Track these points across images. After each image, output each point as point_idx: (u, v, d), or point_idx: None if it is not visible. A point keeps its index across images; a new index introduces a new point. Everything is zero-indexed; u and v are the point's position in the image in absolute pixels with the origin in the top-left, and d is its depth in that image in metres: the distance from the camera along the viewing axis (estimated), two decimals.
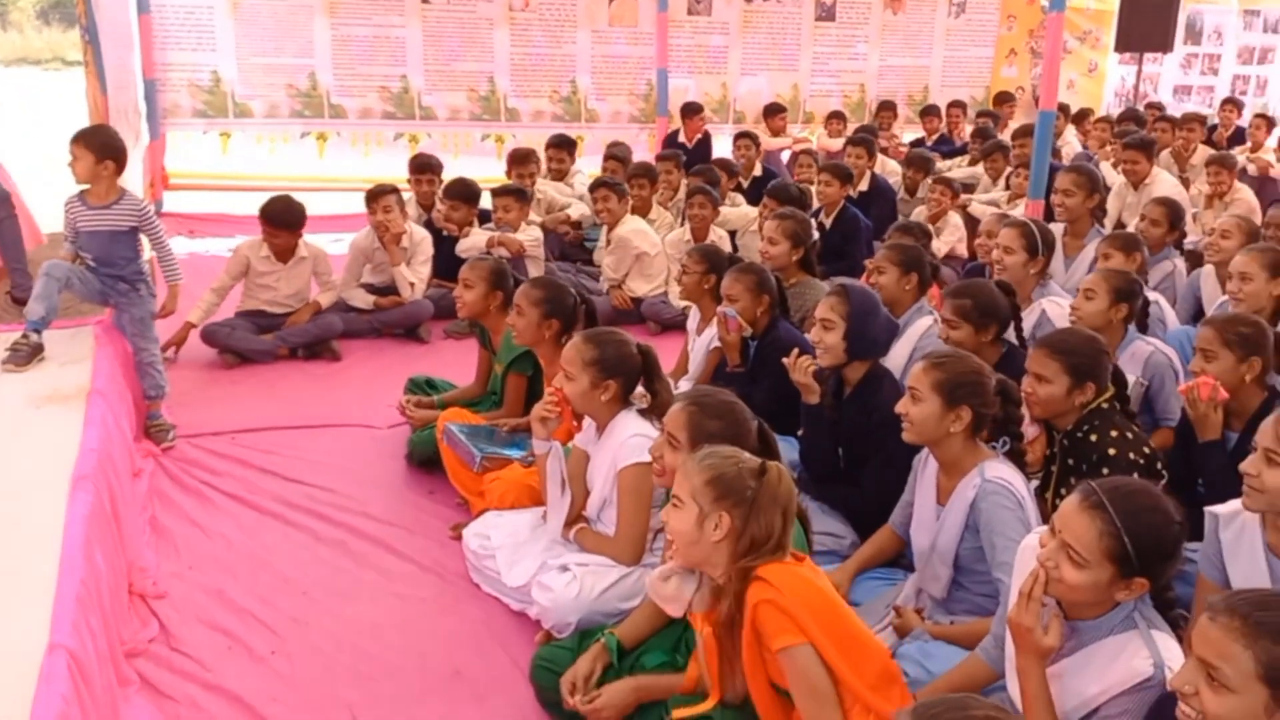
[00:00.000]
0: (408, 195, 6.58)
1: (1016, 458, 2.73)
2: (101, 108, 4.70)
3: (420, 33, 9.45)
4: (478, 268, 4.20)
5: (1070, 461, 2.97)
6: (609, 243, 6.35)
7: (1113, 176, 7.06)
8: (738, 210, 7.01)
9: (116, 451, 3.46)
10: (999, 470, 2.63)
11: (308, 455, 4.29)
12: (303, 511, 3.79)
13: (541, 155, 7.71)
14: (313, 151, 9.58)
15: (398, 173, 8.18)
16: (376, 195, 5.81)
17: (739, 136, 8.55)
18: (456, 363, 5.20)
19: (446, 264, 6.15)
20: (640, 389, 3.14)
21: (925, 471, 2.84)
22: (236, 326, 5.38)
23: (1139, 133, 7.81)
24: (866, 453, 3.25)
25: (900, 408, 2.71)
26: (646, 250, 6.20)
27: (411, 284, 5.87)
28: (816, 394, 3.32)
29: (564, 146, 7.98)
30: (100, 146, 4.05)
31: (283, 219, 5.37)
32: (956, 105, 10.42)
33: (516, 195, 6.32)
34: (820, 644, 2.07)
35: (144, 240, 4.27)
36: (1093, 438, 2.92)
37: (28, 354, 3.92)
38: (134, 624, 3.01)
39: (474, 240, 6.16)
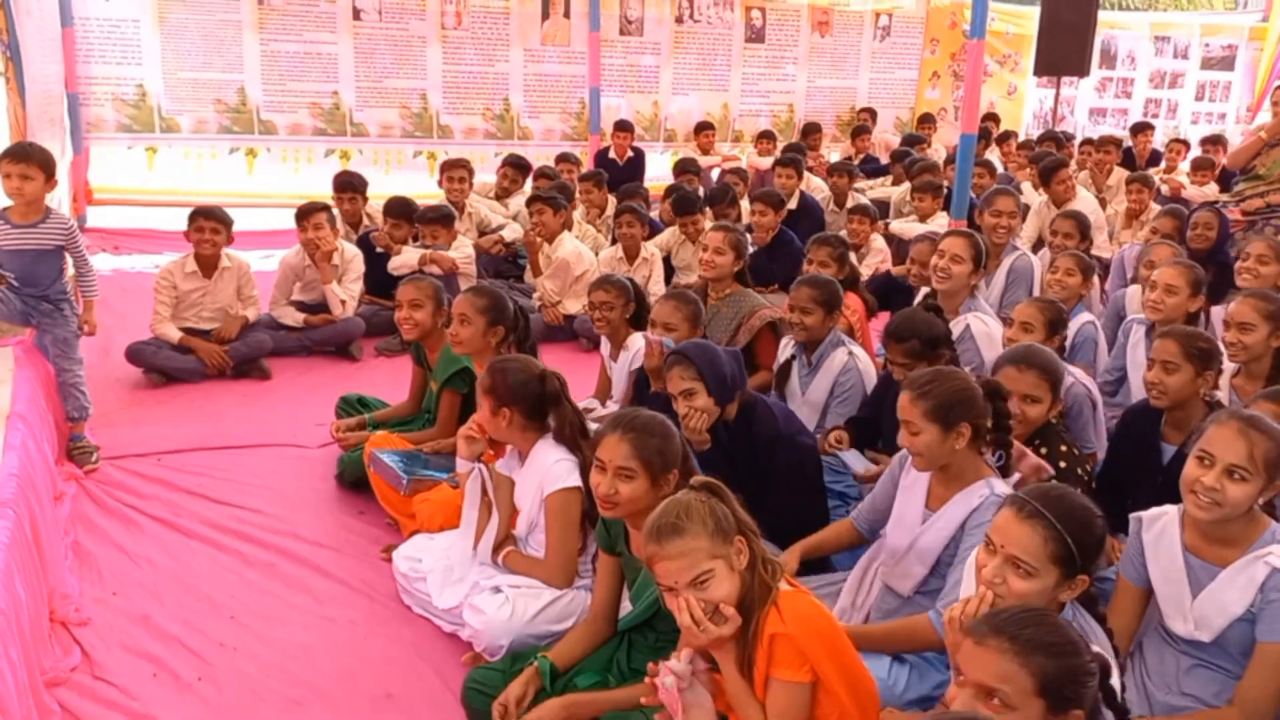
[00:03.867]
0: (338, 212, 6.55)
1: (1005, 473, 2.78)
2: (22, 122, 4.61)
3: (352, 49, 9.43)
4: (422, 288, 4.20)
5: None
6: (547, 261, 6.38)
7: (1031, 196, 7.29)
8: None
9: (37, 475, 3.39)
10: (1006, 488, 2.68)
11: (236, 476, 4.24)
12: (230, 534, 3.75)
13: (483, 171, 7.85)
14: (242, 167, 9.47)
15: (326, 189, 8.10)
16: (307, 213, 5.78)
17: (783, 164, 7.94)
18: (388, 380, 5.18)
19: (378, 281, 6.15)
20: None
21: (910, 476, 2.85)
22: (162, 345, 5.29)
23: (1057, 155, 8.09)
24: (760, 476, 3.27)
25: (902, 441, 2.70)
26: (585, 270, 6.25)
27: (343, 301, 5.84)
28: (708, 442, 3.27)
29: (519, 168, 8.08)
30: (50, 166, 4.00)
31: (217, 215, 5.36)
32: (814, 129, 10.63)
33: (442, 222, 6.31)
34: (828, 677, 2.07)
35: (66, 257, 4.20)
36: (1043, 451, 3.04)
37: None
38: (55, 653, 2.94)
39: (406, 258, 6.14)
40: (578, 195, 7.59)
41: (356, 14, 9.40)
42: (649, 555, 2.09)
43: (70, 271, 4.24)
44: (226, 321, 5.44)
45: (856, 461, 3.82)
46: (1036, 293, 5.06)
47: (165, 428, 4.69)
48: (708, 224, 6.69)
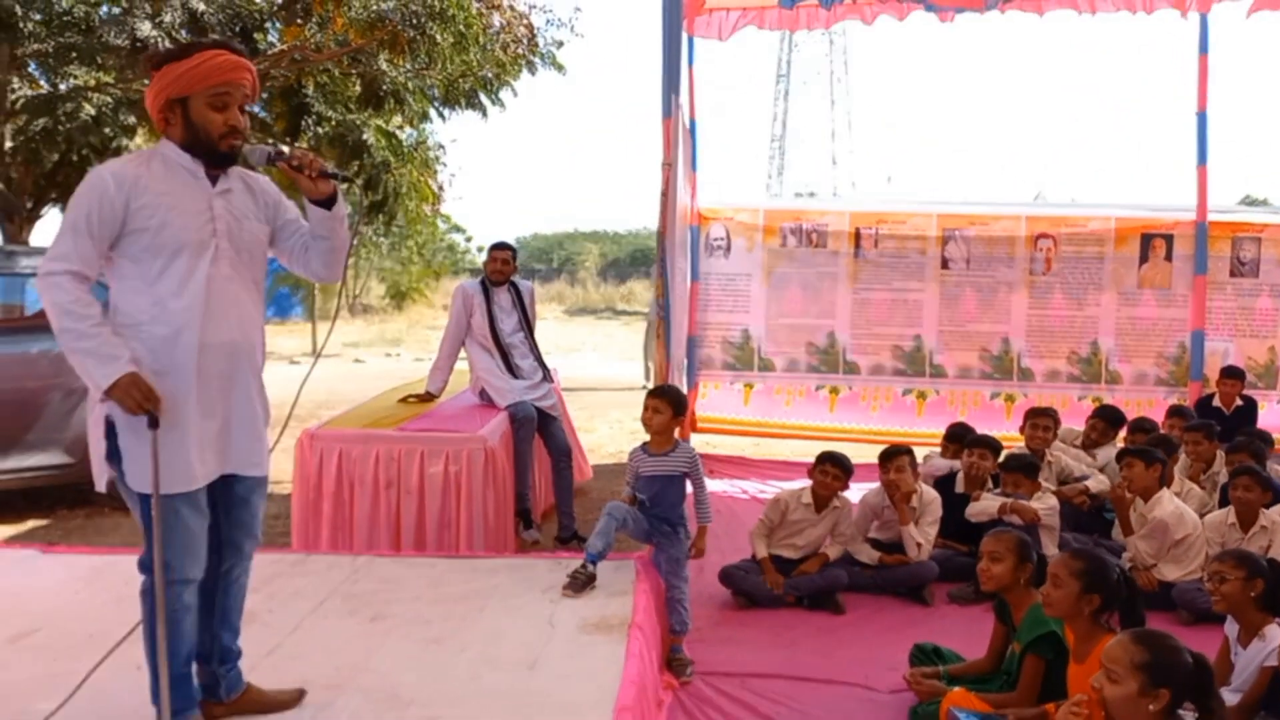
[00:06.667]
0: (922, 451, 6.70)
1: None
2: (664, 368, 5.50)
3: (937, 296, 9.84)
4: (1004, 539, 4.13)
5: None
6: (1141, 520, 5.89)
7: None
8: None
9: (648, 684, 3.78)
10: None
11: (810, 710, 4.32)
12: None
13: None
14: (825, 404, 10.12)
15: (899, 426, 8.34)
16: (890, 455, 5.98)
17: None
18: (960, 630, 5.04)
19: (955, 526, 6.11)
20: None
21: None
22: (750, 571, 5.70)
23: None
24: None
25: None
26: (1187, 533, 5.66)
27: (919, 544, 5.86)
28: None
29: (1111, 422, 7.70)
30: (679, 405, 4.73)
31: (843, 462, 5.69)
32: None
33: (1025, 471, 6.19)
34: None
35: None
36: None
37: (583, 582, 4.46)
38: None
39: (985, 506, 6.05)
40: (1183, 449, 6.94)
41: (945, 263, 9.85)
42: None
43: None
44: (811, 559, 5.72)
45: None
46: None
47: (748, 650, 4.96)
48: None
